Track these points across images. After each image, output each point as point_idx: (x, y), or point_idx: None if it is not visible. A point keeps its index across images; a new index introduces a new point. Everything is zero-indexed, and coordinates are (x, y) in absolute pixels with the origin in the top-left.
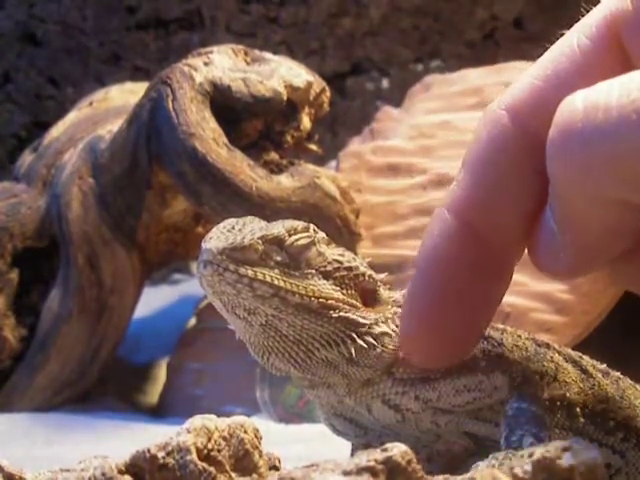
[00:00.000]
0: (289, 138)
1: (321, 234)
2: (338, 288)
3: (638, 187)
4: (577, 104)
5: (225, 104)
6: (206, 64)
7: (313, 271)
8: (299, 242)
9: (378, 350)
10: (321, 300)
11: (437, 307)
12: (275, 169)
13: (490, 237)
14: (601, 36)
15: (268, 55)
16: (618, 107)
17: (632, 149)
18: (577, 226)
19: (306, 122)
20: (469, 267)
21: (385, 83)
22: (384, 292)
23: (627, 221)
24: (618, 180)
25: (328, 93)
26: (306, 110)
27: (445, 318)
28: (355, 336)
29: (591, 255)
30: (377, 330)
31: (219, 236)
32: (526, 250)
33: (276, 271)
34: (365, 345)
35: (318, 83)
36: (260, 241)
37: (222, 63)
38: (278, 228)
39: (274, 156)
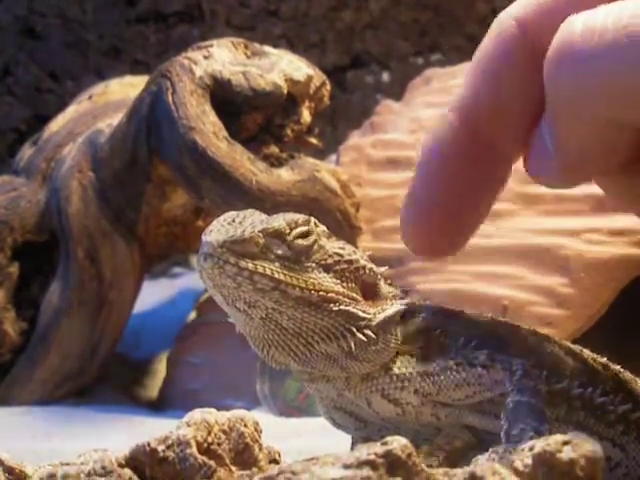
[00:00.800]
0: (289, 132)
1: (321, 227)
2: (338, 281)
3: (627, 105)
4: (576, 25)
5: (225, 97)
6: (206, 57)
7: (313, 264)
8: (300, 235)
9: (378, 345)
10: (321, 293)
11: (435, 199)
12: (275, 163)
13: (490, 138)
14: None
15: (268, 49)
16: (613, 31)
17: (622, 70)
18: (568, 140)
19: (306, 116)
20: (468, 163)
21: (385, 76)
22: (384, 286)
23: (617, 138)
24: (608, 98)
25: (328, 87)
26: (306, 104)
27: (443, 210)
28: (355, 330)
29: (581, 167)
30: (377, 324)
31: (219, 229)
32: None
33: (276, 264)
34: (365, 339)
35: (318, 77)
36: (261, 234)
37: (222, 56)
38: (279, 221)
39: (274, 150)
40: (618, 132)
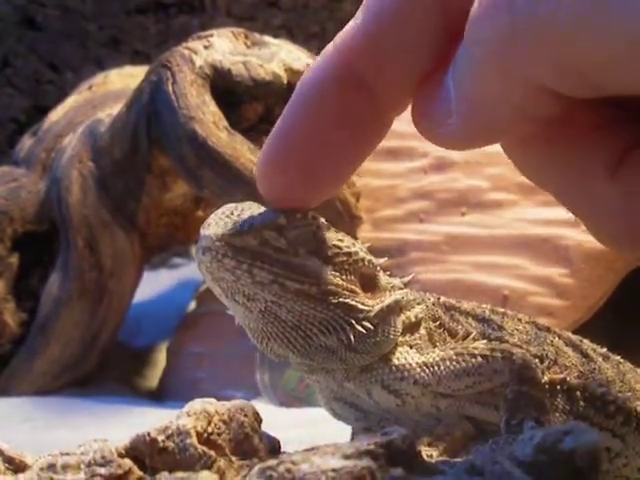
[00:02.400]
0: None
1: (320, 220)
2: (337, 274)
3: (562, 75)
4: None
5: (225, 87)
6: (206, 47)
7: (312, 257)
8: (298, 228)
9: (378, 337)
10: (320, 286)
11: (296, 142)
12: None
13: (374, 84)
14: None
15: (268, 39)
16: None
17: (562, 29)
18: (479, 97)
19: None
20: (340, 109)
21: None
22: (384, 277)
23: (538, 106)
24: (540, 61)
25: None
26: None
27: (308, 153)
28: (354, 322)
29: (485, 129)
30: (376, 316)
31: (218, 222)
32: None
33: (275, 257)
34: (364, 331)
35: None
36: (259, 227)
37: (222, 46)
38: (277, 214)
39: None
40: (539, 96)
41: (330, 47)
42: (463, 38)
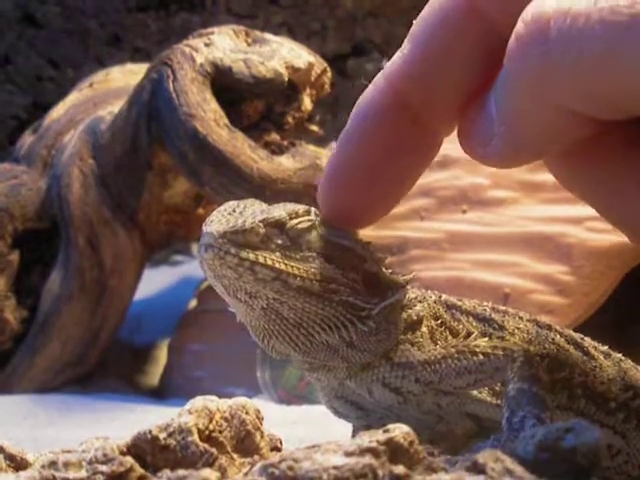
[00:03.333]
0: (290, 119)
1: (322, 217)
2: (340, 271)
3: (593, 100)
4: (548, 5)
5: (226, 85)
6: (207, 45)
7: (314, 254)
8: (300, 225)
9: (380, 335)
10: (322, 283)
11: (357, 168)
12: (276, 150)
13: (422, 110)
14: None
15: (269, 36)
16: (584, 15)
17: (592, 60)
18: (519, 121)
19: (307, 103)
20: (392, 134)
21: (386, 64)
22: (385, 275)
23: (568, 128)
24: (574, 89)
25: (329, 74)
26: (307, 91)
27: (363, 181)
28: (356, 320)
29: (523, 150)
30: (378, 313)
31: (220, 219)
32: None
33: (277, 254)
34: (366, 329)
35: (319, 64)
36: (261, 224)
37: (223, 44)
38: (279, 211)
39: (275, 137)
40: (570, 119)
41: (380, 76)
42: (503, 65)
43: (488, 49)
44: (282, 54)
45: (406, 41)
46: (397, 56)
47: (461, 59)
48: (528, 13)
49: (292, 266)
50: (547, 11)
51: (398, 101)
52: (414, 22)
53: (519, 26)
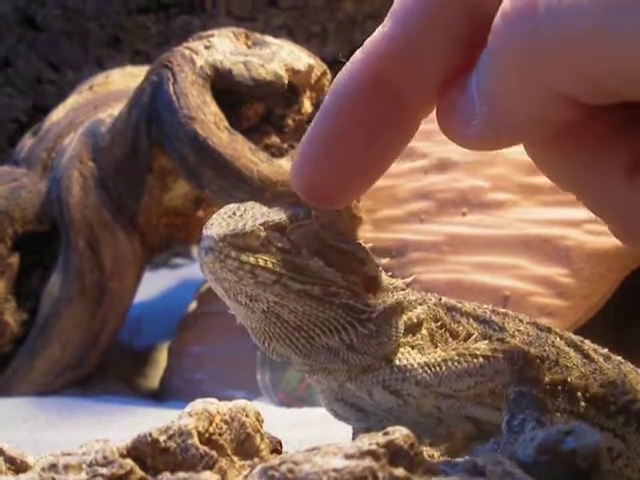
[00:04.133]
0: (290, 122)
1: (323, 220)
2: (340, 274)
3: (578, 80)
4: None
5: (226, 88)
6: (207, 48)
7: (315, 257)
8: (301, 229)
9: (380, 338)
10: (323, 286)
11: (332, 145)
12: (276, 153)
13: (401, 87)
14: None
15: (269, 39)
16: None
17: (580, 40)
18: (502, 103)
19: (307, 105)
20: (369, 111)
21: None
22: (385, 278)
23: (553, 111)
24: (560, 69)
25: (329, 76)
26: (307, 93)
27: (338, 158)
28: (356, 323)
29: (505, 132)
30: (378, 316)
31: (220, 222)
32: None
33: (278, 258)
34: (366, 332)
35: (319, 66)
36: (262, 228)
37: (223, 47)
38: (280, 215)
39: (275, 140)
40: (555, 101)
41: (358, 53)
42: (487, 43)
43: (471, 27)
44: (282, 57)
45: (387, 18)
46: (377, 32)
47: (443, 36)
48: None
49: (292, 269)
50: None
51: (377, 77)
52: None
53: (505, 3)
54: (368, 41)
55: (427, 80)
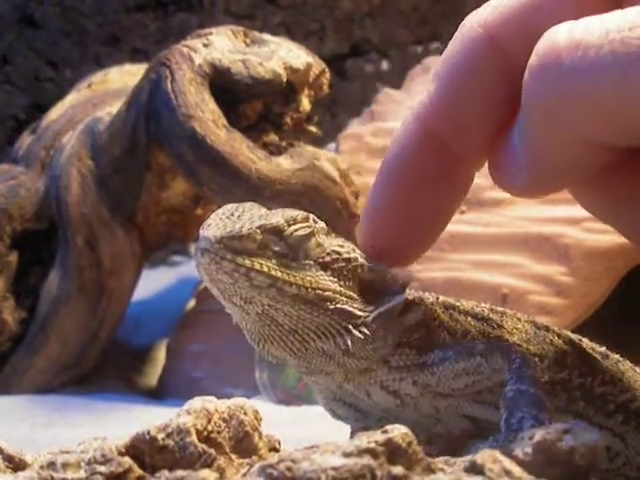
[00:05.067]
0: (288, 120)
1: (321, 224)
2: (336, 279)
3: (610, 128)
4: (560, 37)
5: (224, 86)
6: (205, 46)
7: (311, 262)
8: (298, 232)
9: (375, 343)
10: (318, 291)
11: (395, 208)
12: (274, 151)
13: (453, 146)
14: None
15: (267, 37)
16: (596, 47)
17: (606, 91)
18: (541, 152)
19: (305, 104)
20: (428, 172)
21: (385, 65)
22: (383, 283)
23: (588, 157)
24: (590, 120)
25: (328, 75)
26: (305, 92)
27: (402, 219)
28: (351, 327)
29: (549, 179)
30: (373, 321)
31: (217, 223)
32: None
33: (274, 261)
34: (361, 336)
35: (318, 65)
36: (258, 231)
37: (221, 45)
38: (277, 217)
39: (273, 138)
40: (589, 148)
41: (409, 116)
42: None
43: (511, 83)
44: (280, 55)
45: (431, 80)
46: (424, 95)
47: (486, 94)
48: (540, 46)
49: (288, 273)
50: (559, 43)
51: (429, 138)
52: (438, 62)
53: (532, 60)
54: (417, 103)
55: (476, 136)
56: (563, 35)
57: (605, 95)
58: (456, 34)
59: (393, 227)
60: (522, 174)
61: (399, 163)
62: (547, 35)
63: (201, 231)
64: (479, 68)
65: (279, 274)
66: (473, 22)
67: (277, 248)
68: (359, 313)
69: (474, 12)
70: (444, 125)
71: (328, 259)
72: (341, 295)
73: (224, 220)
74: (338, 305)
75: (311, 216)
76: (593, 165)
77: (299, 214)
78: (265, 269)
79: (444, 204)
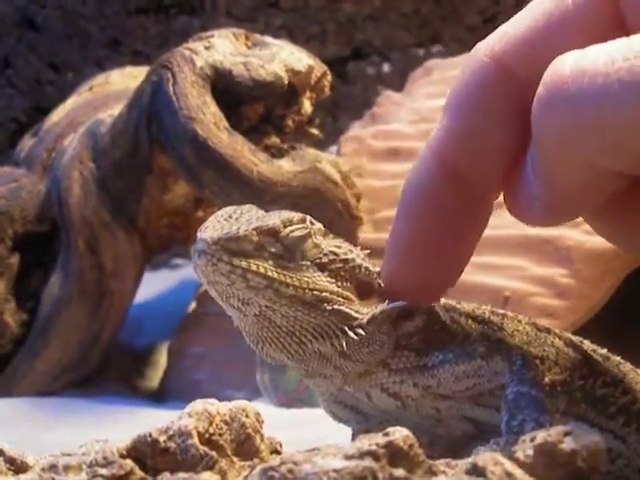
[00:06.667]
0: (290, 122)
1: (317, 225)
2: (333, 280)
3: (619, 155)
4: (566, 66)
5: (226, 88)
6: (207, 48)
7: (308, 263)
8: (294, 234)
9: (372, 346)
10: (315, 293)
11: (417, 244)
12: (276, 153)
13: (470, 178)
14: None
15: (269, 39)
16: (603, 74)
17: (614, 118)
18: (553, 181)
19: (307, 106)
20: (447, 205)
21: (386, 68)
22: (381, 284)
23: (601, 184)
24: (599, 147)
25: (329, 77)
26: (307, 94)
27: (425, 256)
28: (347, 329)
29: (564, 208)
30: (369, 322)
31: (215, 225)
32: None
33: (270, 262)
34: (357, 338)
35: (319, 67)
36: (255, 232)
37: (223, 47)
38: (274, 219)
39: (275, 140)
40: (601, 175)
41: (426, 151)
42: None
43: (524, 111)
44: (282, 57)
45: (443, 113)
46: (437, 129)
47: (500, 124)
48: (547, 76)
49: (285, 274)
50: (566, 72)
51: (446, 171)
52: (447, 94)
53: (540, 89)
54: (432, 137)
55: (491, 167)
56: (569, 64)
57: (612, 122)
58: (464, 64)
59: (417, 265)
60: (537, 203)
61: (419, 199)
62: (554, 64)
63: (198, 233)
64: (490, 98)
65: (276, 275)
66: (481, 51)
67: (274, 249)
68: (355, 315)
69: (482, 41)
70: (461, 157)
71: (325, 260)
72: (338, 296)
73: (221, 222)
74: (335, 306)
75: (308, 217)
76: (606, 192)
77: (296, 215)
78: (262, 270)
79: (466, 237)
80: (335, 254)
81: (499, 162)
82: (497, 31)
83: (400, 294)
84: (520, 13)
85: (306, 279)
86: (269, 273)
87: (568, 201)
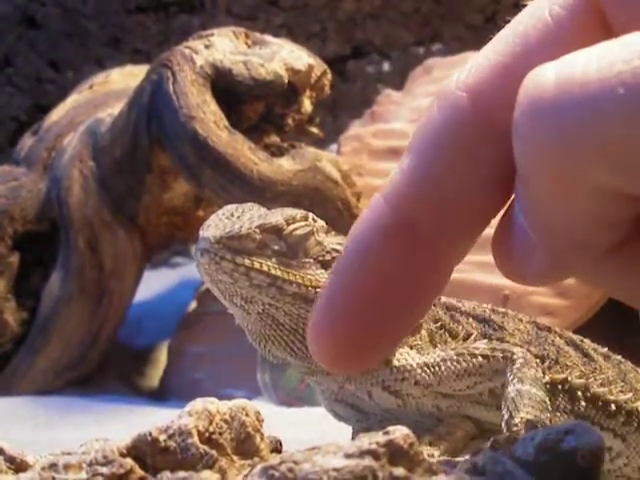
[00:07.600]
0: (290, 121)
1: (320, 223)
2: None
3: (631, 172)
4: (547, 77)
5: (226, 87)
6: (207, 47)
7: (311, 260)
8: (297, 231)
9: None
10: (318, 289)
11: (354, 307)
12: (276, 152)
13: (430, 235)
14: (579, 6)
15: (269, 38)
16: (598, 80)
17: (624, 128)
18: (552, 220)
19: (307, 105)
20: (400, 268)
21: (386, 66)
22: None
23: (616, 211)
24: (606, 165)
25: (329, 76)
26: (307, 93)
27: (356, 319)
28: None
29: (571, 253)
30: None
31: (217, 224)
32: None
33: (273, 260)
34: None
35: (319, 66)
36: (258, 230)
37: (223, 46)
38: (276, 217)
39: (275, 139)
40: (614, 201)
41: (378, 197)
42: (516, 171)
43: (496, 155)
44: (282, 56)
45: (405, 155)
46: (395, 173)
47: (472, 168)
48: (524, 94)
49: (288, 272)
50: (549, 84)
51: (400, 224)
52: (413, 134)
53: (517, 109)
54: (388, 183)
55: (459, 223)
56: (550, 74)
57: (620, 134)
58: (432, 100)
59: (352, 328)
60: (538, 256)
61: (363, 254)
62: (530, 78)
63: (201, 232)
64: (464, 140)
65: (279, 273)
66: (451, 85)
67: (276, 247)
68: None
69: (453, 77)
70: (418, 207)
71: (328, 257)
72: None
73: (224, 220)
74: None
75: (310, 215)
76: (617, 224)
77: (298, 213)
78: (265, 268)
79: (415, 303)
80: (337, 251)
81: (468, 219)
82: (467, 65)
83: (332, 364)
84: (492, 40)
85: (309, 276)
86: (272, 271)
87: (574, 242)
